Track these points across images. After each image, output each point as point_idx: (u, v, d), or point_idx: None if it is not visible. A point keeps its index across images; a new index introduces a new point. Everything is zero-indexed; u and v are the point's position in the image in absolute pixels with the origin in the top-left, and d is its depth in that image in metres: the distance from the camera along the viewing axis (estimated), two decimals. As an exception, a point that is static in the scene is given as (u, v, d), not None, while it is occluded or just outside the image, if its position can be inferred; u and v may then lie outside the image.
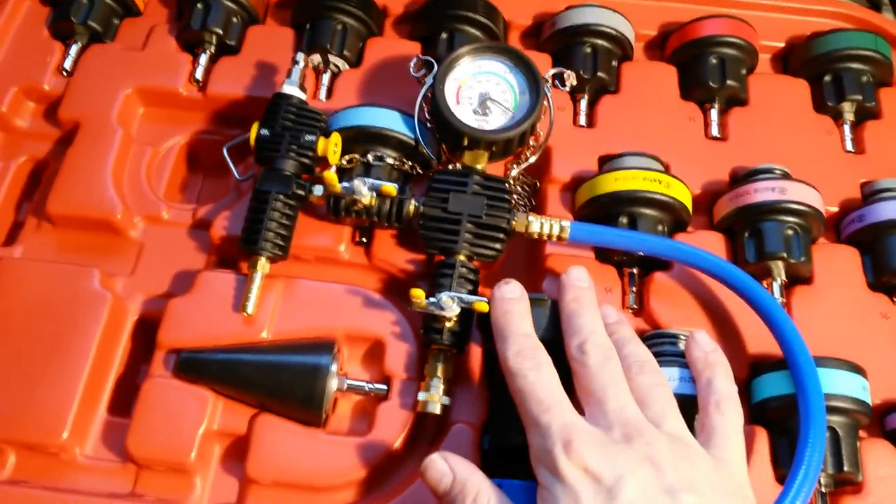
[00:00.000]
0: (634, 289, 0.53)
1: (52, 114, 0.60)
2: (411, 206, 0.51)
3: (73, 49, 0.62)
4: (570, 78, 0.55)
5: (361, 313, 0.51)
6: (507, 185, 0.51)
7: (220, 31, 0.61)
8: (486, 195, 0.50)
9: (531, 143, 0.55)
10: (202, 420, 0.48)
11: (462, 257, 0.50)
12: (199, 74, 0.60)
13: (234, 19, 0.62)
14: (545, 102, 0.53)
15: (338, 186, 0.50)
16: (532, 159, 0.55)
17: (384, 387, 0.50)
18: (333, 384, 0.48)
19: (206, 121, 0.62)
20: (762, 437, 0.48)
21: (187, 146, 0.62)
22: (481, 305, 0.47)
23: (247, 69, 0.61)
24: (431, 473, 0.41)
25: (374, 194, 0.50)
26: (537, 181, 0.58)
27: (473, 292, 0.49)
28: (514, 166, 0.55)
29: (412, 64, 0.56)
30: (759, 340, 0.50)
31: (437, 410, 0.47)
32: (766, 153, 0.57)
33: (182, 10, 0.64)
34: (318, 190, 0.52)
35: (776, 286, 0.52)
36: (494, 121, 0.52)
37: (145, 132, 0.61)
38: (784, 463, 0.47)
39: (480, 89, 0.53)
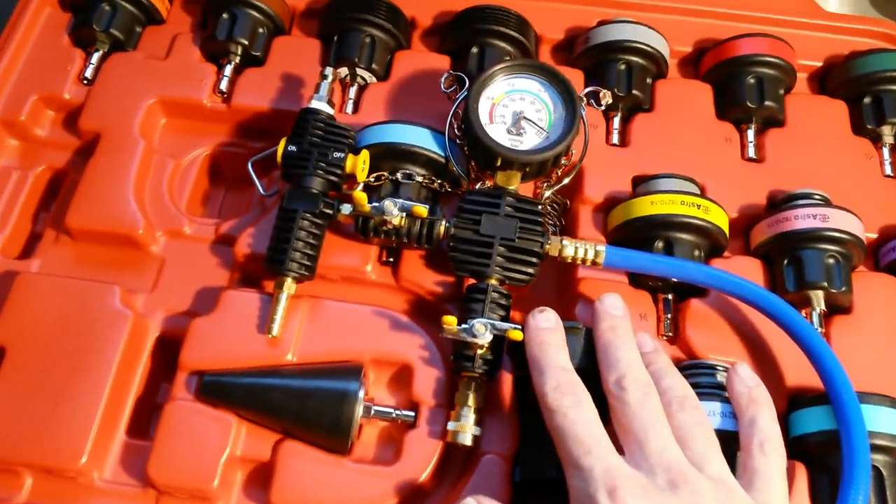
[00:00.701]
0: (669, 315, 0.51)
1: (71, 123, 0.59)
2: (441, 227, 0.50)
3: (95, 57, 0.60)
4: (606, 97, 0.53)
5: (389, 336, 0.50)
6: (540, 207, 0.50)
7: (246, 42, 0.59)
8: (519, 217, 0.49)
9: (563, 162, 0.53)
10: (225, 445, 0.47)
11: (493, 281, 0.48)
12: (223, 86, 0.59)
13: (260, 30, 0.61)
14: (581, 123, 0.51)
15: (367, 206, 0.48)
16: (566, 180, 0.53)
17: (412, 414, 0.48)
18: (360, 410, 0.47)
19: (229, 133, 0.60)
20: (801, 473, 0.46)
21: (210, 158, 0.60)
22: (515, 334, 0.45)
23: (272, 81, 0.59)
24: None
25: (404, 215, 0.49)
26: (567, 201, 0.57)
27: (506, 318, 0.48)
28: (546, 186, 0.54)
29: (443, 80, 0.54)
30: (797, 371, 0.49)
31: (468, 441, 0.45)
32: (804, 176, 0.56)
33: (206, 19, 0.62)
34: (346, 209, 0.50)
35: (815, 316, 0.50)
36: (529, 141, 0.51)
37: (167, 143, 0.60)
38: (823, 500, 0.45)
39: (514, 108, 0.52)
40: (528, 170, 0.51)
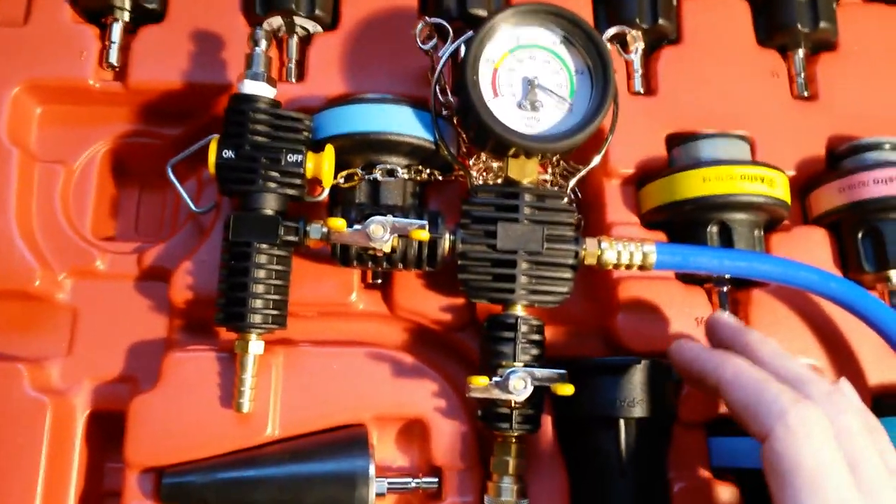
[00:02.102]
0: (727, 310, 0.42)
1: None
2: (446, 243, 0.38)
3: (-79, 32, 0.43)
4: (637, 40, 0.41)
5: (392, 384, 0.40)
6: (566, 200, 0.39)
7: (135, -9, 0.43)
8: (544, 222, 0.38)
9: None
10: (205, 560, 0.37)
11: (520, 308, 0.38)
12: (113, 57, 0.43)
13: (152, -29, 0.44)
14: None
15: (346, 232, 0.36)
16: (596, 160, 0.41)
17: (435, 481, 0.39)
18: (374, 491, 0.37)
19: (129, 118, 0.46)
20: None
21: (110, 155, 0.46)
22: (565, 389, 0.35)
23: (178, 42, 0.44)
24: None
25: (397, 236, 0.37)
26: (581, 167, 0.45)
27: (542, 356, 0.37)
28: (566, 170, 0.42)
29: (417, 32, 0.41)
30: (882, 369, 0.42)
31: (516, 526, 0.36)
32: (867, 114, 0.46)
33: (73, -41, 0.45)
34: (315, 231, 0.38)
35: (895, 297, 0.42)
36: (548, 117, 0.38)
37: (50, 144, 0.44)
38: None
39: (524, 71, 0.39)
40: (548, 156, 0.39)
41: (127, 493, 0.37)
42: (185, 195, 0.41)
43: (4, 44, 0.43)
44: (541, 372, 0.36)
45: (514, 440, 0.37)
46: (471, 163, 0.42)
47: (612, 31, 0.41)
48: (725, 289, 0.43)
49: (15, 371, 0.38)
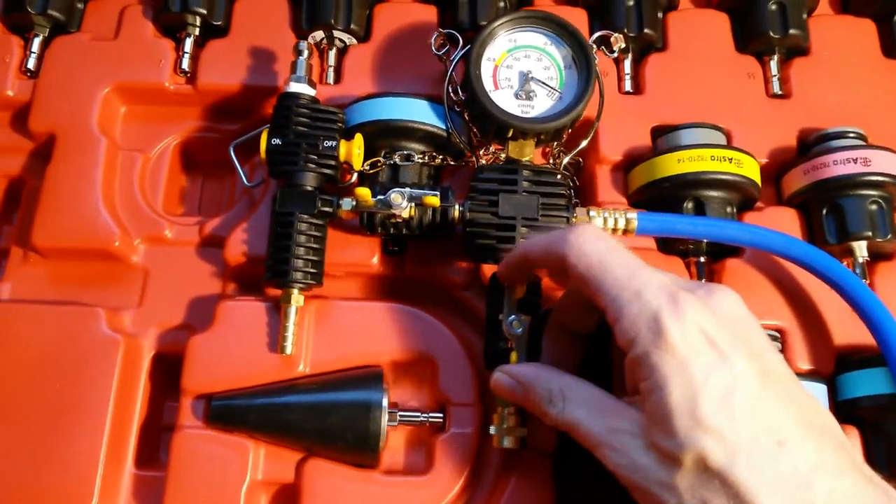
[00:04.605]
0: (704, 280, 0.48)
1: (20, 122, 0.52)
2: (455, 212, 0.45)
3: (35, 44, 0.53)
4: (619, 42, 0.48)
5: (407, 334, 0.46)
6: (560, 176, 0.45)
7: (205, 12, 0.52)
8: (539, 193, 0.44)
9: (576, 120, 0.48)
10: (245, 472, 0.43)
11: (517, 266, 0.44)
12: (185, 64, 0.52)
13: (219, -6, 0.53)
14: (596, 79, 0.46)
15: (371, 201, 0.43)
16: (584, 143, 0.48)
17: (441, 416, 0.45)
18: (386, 420, 0.43)
19: (198, 116, 0.54)
20: (854, 437, 0.44)
21: (180, 147, 0.54)
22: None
23: (239, 53, 0.53)
24: (500, 393, 0.38)
25: (414, 205, 0.44)
26: (580, 159, 0.52)
27: (539, 307, 0.43)
28: (559, 151, 0.49)
29: (433, 40, 0.48)
30: (845, 329, 0.46)
31: (516, 444, 0.42)
32: (836, 110, 0.52)
33: (156, -14, 0.55)
34: (346, 204, 0.45)
35: (858, 267, 0.47)
36: (540, 105, 0.46)
37: (131, 136, 0.53)
38: (881, 465, 0.43)
39: (520, 67, 0.46)
40: (542, 137, 0.46)
41: (182, 415, 0.44)
42: (240, 170, 0.49)
43: (98, 53, 0.52)
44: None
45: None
46: (481, 153, 0.50)
47: (597, 34, 0.48)
48: (702, 259, 0.48)
49: (95, 313, 0.46)
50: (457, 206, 0.45)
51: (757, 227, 0.45)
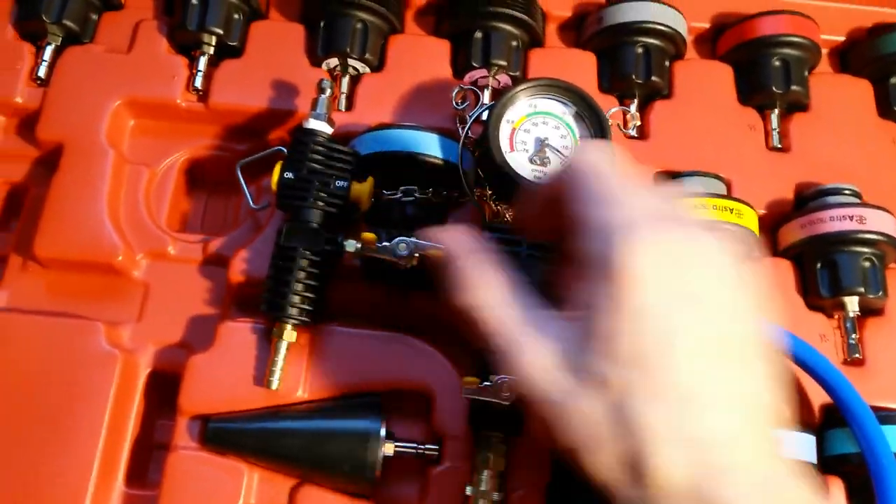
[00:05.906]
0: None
1: (27, 130, 0.52)
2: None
3: (47, 52, 0.53)
4: (634, 119, 0.49)
5: (405, 363, 0.46)
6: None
7: (221, 32, 0.53)
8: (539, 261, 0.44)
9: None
10: (238, 496, 0.43)
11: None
12: (198, 82, 0.52)
13: (236, 16, 0.54)
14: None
15: (374, 247, 0.43)
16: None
17: (436, 448, 0.45)
18: (383, 450, 0.44)
19: (207, 134, 0.54)
20: (838, 488, 0.45)
21: (187, 163, 0.54)
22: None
23: (253, 74, 0.53)
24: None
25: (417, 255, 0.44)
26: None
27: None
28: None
29: (454, 94, 0.50)
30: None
31: (490, 509, 0.42)
32: (833, 166, 0.53)
33: (171, 2, 0.55)
34: (350, 245, 0.45)
35: (849, 322, 0.48)
36: (553, 170, 0.46)
37: (139, 149, 0.53)
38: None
39: (537, 133, 0.47)
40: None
41: (177, 435, 0.44)
42: (246, 191, 0.49)
43: (111, 66, 0.53)
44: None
45: (495, 439, 0.43)
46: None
47: (614, 109, 0.49)
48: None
49: (94, 327, 0.46)
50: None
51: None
